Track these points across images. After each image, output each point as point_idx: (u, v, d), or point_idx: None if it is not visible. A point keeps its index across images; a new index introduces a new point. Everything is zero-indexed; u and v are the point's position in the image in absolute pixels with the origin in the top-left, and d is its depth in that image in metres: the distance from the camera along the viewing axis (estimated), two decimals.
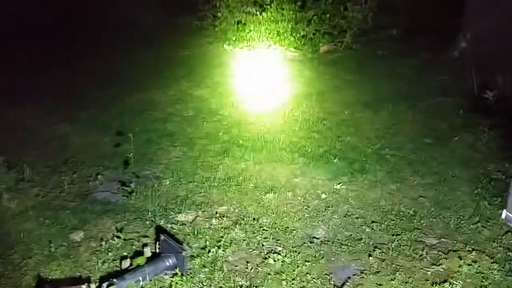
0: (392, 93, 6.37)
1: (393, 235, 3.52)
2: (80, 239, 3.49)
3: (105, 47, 8.84)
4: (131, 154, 4.46)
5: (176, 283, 3.00)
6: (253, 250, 3.37)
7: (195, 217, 3.74)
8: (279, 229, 3.60)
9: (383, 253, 3.32)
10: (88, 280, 3.00)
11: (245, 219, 3.72)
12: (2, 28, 8.50)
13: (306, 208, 3.87)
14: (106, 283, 2.78)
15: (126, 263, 3.10)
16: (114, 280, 2.80)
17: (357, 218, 3.74)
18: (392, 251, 3.34)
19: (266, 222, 3.67)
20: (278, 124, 5.56)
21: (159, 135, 5.27)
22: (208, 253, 3.31)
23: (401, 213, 3.79)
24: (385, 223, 3.66)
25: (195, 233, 3.52)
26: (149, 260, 3.11)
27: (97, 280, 3.02)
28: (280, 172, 4.46)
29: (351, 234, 3.54)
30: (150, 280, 2.97)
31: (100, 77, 7.26)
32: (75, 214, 3.79)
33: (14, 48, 8.25)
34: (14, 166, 4.38)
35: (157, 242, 3.25)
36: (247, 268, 3.19)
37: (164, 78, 7.20)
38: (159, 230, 3.53)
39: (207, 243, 3.42)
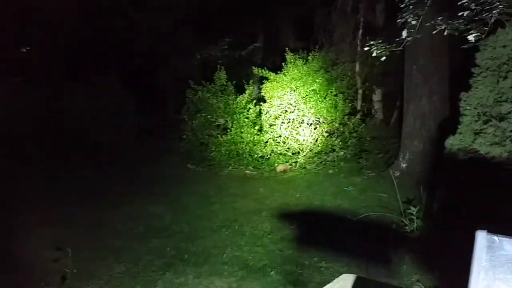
0: (335, 209, 6.79)
1: None
2: None
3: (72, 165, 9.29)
4: (74, 270, 4.58)
5: None
6: None
7: None
8: None
9: None
10: None
11: None
12: None
13: None
14: None
15: None
16: None
17: None
18: None
19: None
20: (226, 239, 5.79)
21: (105, 251, 5.41)
22: None
23: None
24: None
25: None
26: None
27: None
28: (218, 285, 4.59)
29: None
30: None
31: (59, 193, 7.54)
32: None
33: None
34: None
35: None
36: None
37: (120, 195, 7.53)
38: None
39: None
